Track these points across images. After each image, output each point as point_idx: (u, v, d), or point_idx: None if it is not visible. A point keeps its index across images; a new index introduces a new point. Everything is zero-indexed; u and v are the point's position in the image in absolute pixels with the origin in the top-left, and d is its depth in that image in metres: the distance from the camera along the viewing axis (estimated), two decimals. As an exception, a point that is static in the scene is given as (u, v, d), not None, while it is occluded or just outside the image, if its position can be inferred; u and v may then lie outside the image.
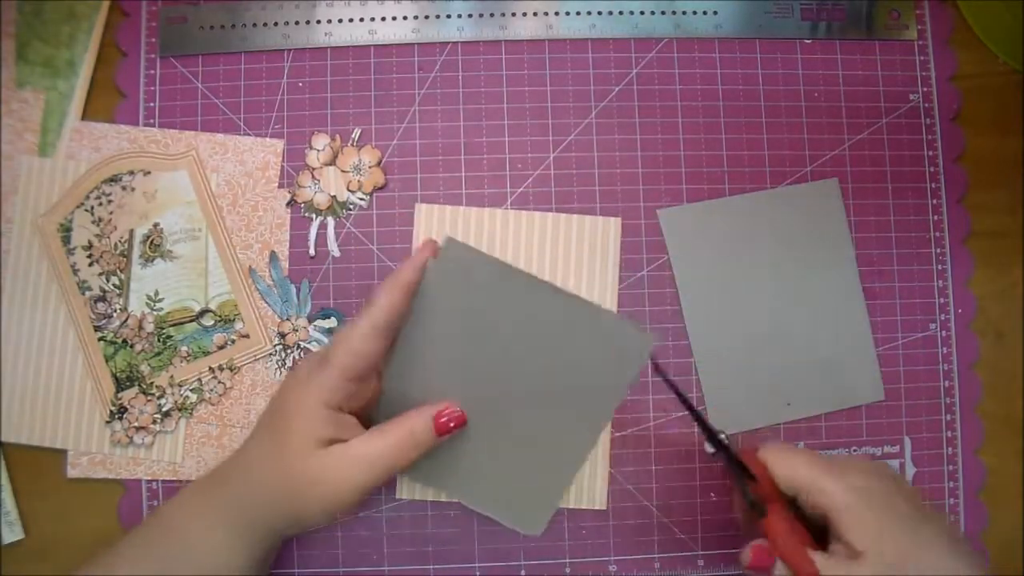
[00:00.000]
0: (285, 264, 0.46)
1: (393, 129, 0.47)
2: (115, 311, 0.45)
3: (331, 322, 0.45)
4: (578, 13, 0.47)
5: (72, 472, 0.44)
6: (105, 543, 0.39)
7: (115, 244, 0.45)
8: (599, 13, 0.48)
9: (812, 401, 0.46)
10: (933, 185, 0.48)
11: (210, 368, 0.45)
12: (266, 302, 0.45)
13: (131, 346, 0.44)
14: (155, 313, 0.45)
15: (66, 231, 0.45)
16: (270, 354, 0.45)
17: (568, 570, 0.45)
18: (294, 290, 0.45)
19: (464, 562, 0.45)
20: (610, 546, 0.45)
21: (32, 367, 0.44)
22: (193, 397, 0.44)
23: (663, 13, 0.48)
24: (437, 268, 0.38)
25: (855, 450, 0.46)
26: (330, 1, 0.47)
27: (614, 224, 0.46)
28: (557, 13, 0.47)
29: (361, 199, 0.46)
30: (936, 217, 0.48)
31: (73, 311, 0.44)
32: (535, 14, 0.47)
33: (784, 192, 0.47)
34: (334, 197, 0.46)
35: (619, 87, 0.47)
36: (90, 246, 0.45)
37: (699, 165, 0.47)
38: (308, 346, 0.45)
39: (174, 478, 0.44)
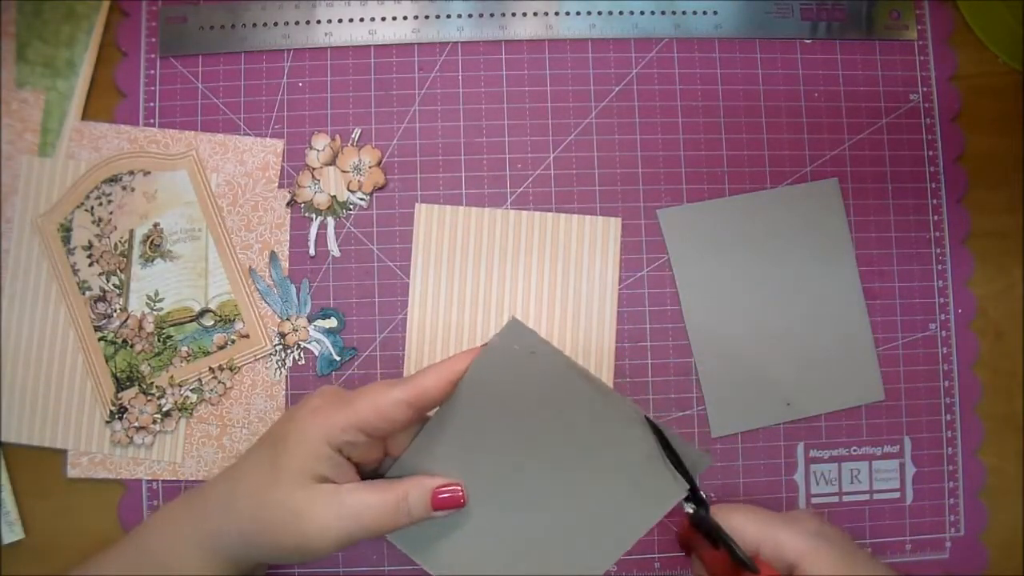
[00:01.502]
0: (285, 264, 0.46)
1: (393, 129, 0.47)
2: (115, 311, 0.45)
3: (331, 322, 0.45)
4: (578, 13, 0.47)
5: (72, 472, 0.44)
6: (101, 545, 0.40)
7: (115, 244, 0.45)
8: (599, 13, 0.48)
9: (812, 401, 0.46)
10: (933, 185, 0.48)
11: (210, 368, 0.45)
12: (266, 302, 0.45)
13: (131, 346, 0.44)
14: (155, 313, 0.45)
15: (66, 231, 0.45)
16: (270, 354, 0.45)
17: (568, 570, 0.45)
18: (294, 290, 0.45)
19: (464, 562, 0.45)
20: (610, 546, 0.45)
21: (32, 367, 0.44)
22: (193, 397, 0.44)
23: (663, 13, 0.48)
24: (493, 350, 0.36)
25: (855, 450, 0.46)
26: (330, 1, 0.47)
27: (614, 224, 0.46)
28: (557, 13, 0.47)
29: (361, 199, 0.46)
30: (936, 217, 0.48)
31: (73, 311, 0.44)
32: (535, 14, 0.47)
33: (784, 192, 0.47)
34: (334, 197, 0.46)
35: (619, 87, 0.47)
36: (90, 246, 0.45)
37: (699, 165, 0.47)
38: (308, 346, 0.45)
39: (174, 478, 0.44)
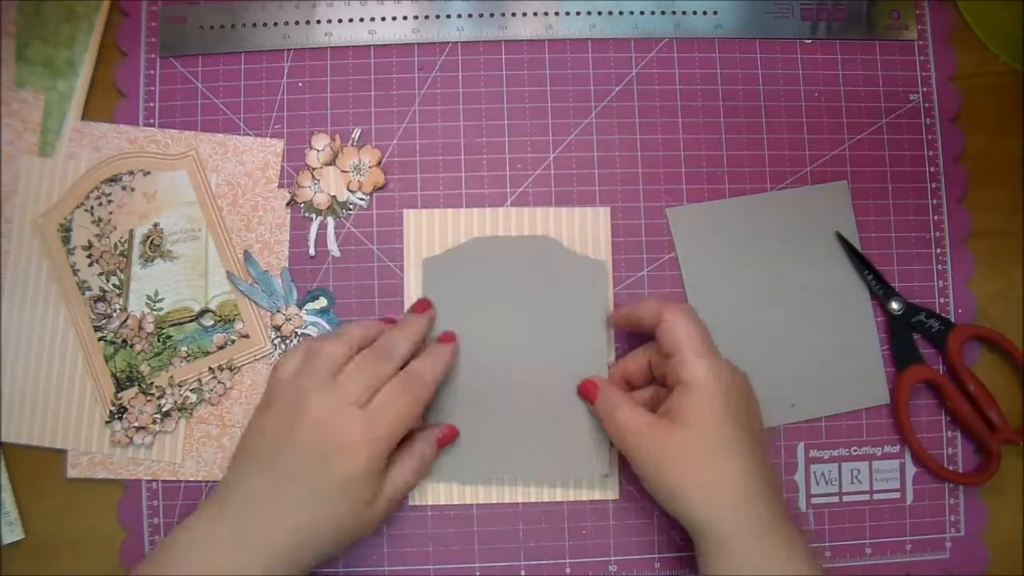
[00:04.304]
0: (272, 258, 0.45)
1: (393, 129, 0.47)
2: (115, 311, 0.44)
3: (321, 302, 0.45)
4: (578, 13, 0.47)
5: (72, 472, 0.44)
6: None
7: (115, 244, 0.45)
8: (599, 13, 0.48)
9: (816, 403, 0.46)
10: (933, 185, 0.48)
11: (210, 368, 0.44)
12: (253, 300, 0.45)
13: (131, 346, 0.44)
14: (155, 313, 0.44)
15: (66, 231, 0.45)
16: (269, 353, 0.45)
17: (568, 570, 0.45)
18: (277, 282, 0.45)
19: (464, 562, 0.45)
20: (610, 546, 0.45)
21: (32, 367, 0.44)
22: (193, 397, 0.44)
23: (663, 13, 0.48)
24: (430, 285, 0.45)
25: (855, 450, 0.46)
26: (330, 1, 0.47)
27: (603, 214, 0.46)
28: (557, 13, 0.47)
29: (361, 199, 0.46)
30: (936, 217, 0.48)
31: (73, 311, 0.44)
32: (535, 14, 0.47)
33: (792, 194, 0.47)
34: (334, 197, 0.46)
35: (619, 87, 0.47)
36: (90, 246, 0.45)
37: (699, 165, 0.47)
38: (305, 331, 0.45)
39: (174, 478, 0.44)
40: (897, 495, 0.46)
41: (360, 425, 0.37)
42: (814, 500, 0.46)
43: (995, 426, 0.45)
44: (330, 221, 0.46)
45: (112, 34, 0.47)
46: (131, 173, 0.45)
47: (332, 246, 0.46)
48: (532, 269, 0.45)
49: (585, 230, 0.46)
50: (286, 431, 0.38)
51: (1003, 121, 0.49)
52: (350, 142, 0.47)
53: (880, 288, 0.46)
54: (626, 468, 0.45)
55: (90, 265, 0.45)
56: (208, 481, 0.44)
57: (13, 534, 0.44)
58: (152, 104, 0.46)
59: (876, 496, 0.46)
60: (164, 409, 0.44)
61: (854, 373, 0.46)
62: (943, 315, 0.47)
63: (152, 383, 0.44)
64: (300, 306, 0.45)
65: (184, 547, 0.36)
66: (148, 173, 0.45)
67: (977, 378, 0.46)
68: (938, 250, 0.48)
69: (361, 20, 0.47)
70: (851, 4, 0.49)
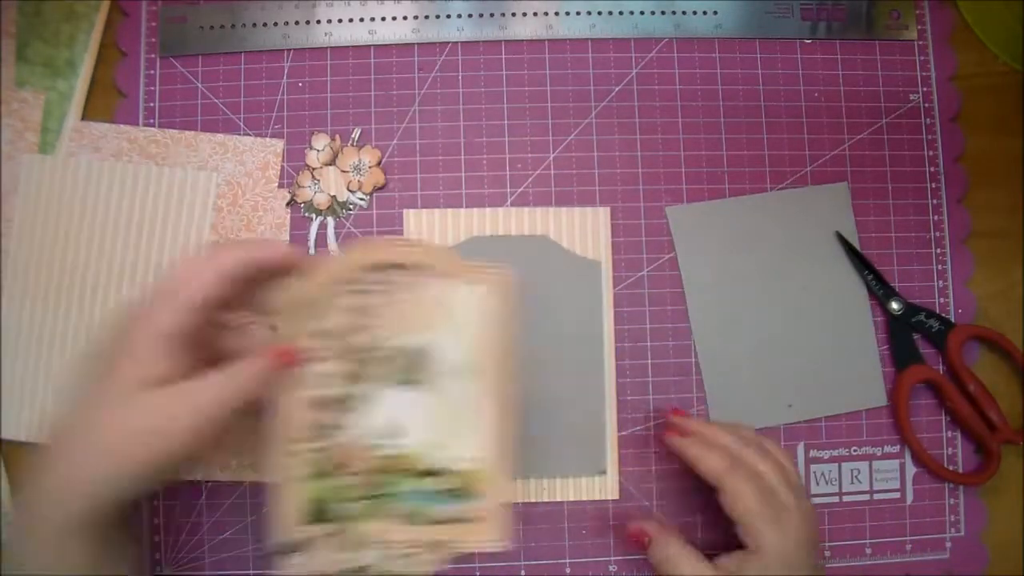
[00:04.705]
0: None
1: (393, 129, 0.47)
2: (338, 426, 0.35)
3: None
4: (578, 13, 0.47)
5: (72, 472, 0.44)
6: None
7: (372, 346, 0.35)
8: (599, 13, 0.48)
9: (814, 404, 0.46)
10: (933, 185, 0.48)
11: (426, 541, 0.34)
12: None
13: (346, 468, 0.34)
14: (387, 452, 0.35)
15: (315, 307, 0.34)
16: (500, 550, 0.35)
17: (568, 570, 0.45)
18: None
19: (464, 562, 0.45)
20: (610, 546, 0.45)
21: (31, 365, 0.44)
22: (399, 564, 0.34)
23: (663, 13, 0.48)
24: None
25: (855, 450, 0.46)
26: (330, 1, 0.47)
27: (603, 214, 0.46)
28: (557, 13, 0.47)
29: (361, 199, 0.46)
30: (936, 217, 0.48)
31: (283, 405, 0.34)
32: (535, 14, 0.47)
33: (792, 194, 0.47)
34: (334, 197, 0.46)
35: (619, 87, 0.47)
36: (338, 335, 0.35)
37: (699, 165, 0.47)
38: None
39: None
40: (897, 495, 0.46)
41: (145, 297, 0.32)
42: (814, 500, 0.46)
43: (995, 426, 0.45)
44: (330, 221, 0.46)
45: (112, 34, 0.47)
46: (422, 269, 0.35)
47: (332, 246, 0.46)
48: (530, 268, 0.45)
49: (585, 230, 0.46)
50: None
51: (1003, 121, 0.49)
52: (350, 142, 0.47)
53: (880, 288, 0.46)
54: (624, 468, 0.45)
55: (330, 359, 0.34)
56: (208, 481, 0.44)
57: (13, 534, 0.44)
58: (152, 104, 0.46)
59: (876, 496, 0.46)
60: (360, 564, 0.34)
61: (852, 374, 0.46)
62: (943, 315, 0.47)
63: (352, 529, 0.34)
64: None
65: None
66: (444, 278, 0.35)
67: (977, 378, 0.46)
68: (938, 250, 0.48)
69: (361, 20, 0.47)
70: (851, 4, 0.49)
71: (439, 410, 0.35)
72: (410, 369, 0.35)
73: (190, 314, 0.31)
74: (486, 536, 0.35)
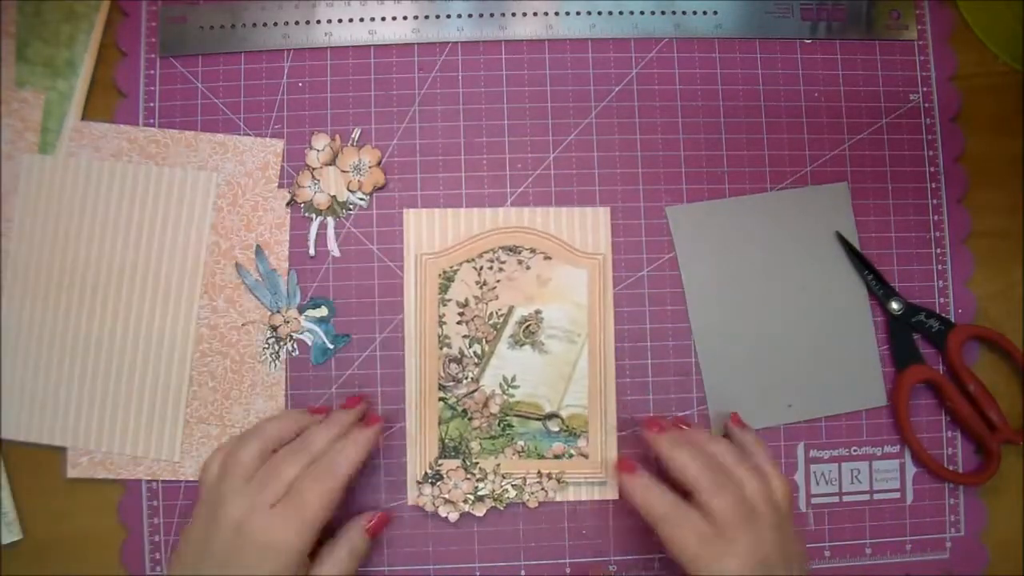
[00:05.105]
0: (272, 258, 0.46)
1: (393, 129, 0.47)
2: (467, 378, 0.44)
3: (322, 311, 0.45)
4: (578, 13, 0.47)
5: (72, 472, 0.44)
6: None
7: (491, 314, 0.44)
8: (599, 13, 0.48)
9: (813, 403, 0.46)
10: (933, 185, 0.48)
11: (539, 472, 0.44)
12: (255, 295, 0.45)
13: (470, 419, 0.44)
14: (505, 397, 0.44)
15: (447, 280, 0.45)
16: (602, 481, 0.44)
17: (568, 570, 0.45)
18: (282, 282, 0.45)
19: (464, 562, 0.45)
20: (610, 546, 0.45)
21: (31, 364, 0.44)
22: (512, 493, 0.44)
23: (663, 13, 0.48)
24: None
25: (855, 450, 0.46)
26: (330, 1, 0.47)
27: (603, 214, 0.46)
28: (557, 13, 0.47)
29: (361, 199, 0.46)
30: (936, 217, 0.48)
31: (423, 361, 0.44)
32: (535, 14, 0.47)
33: (792, 194, 0.47)
34: (334, 197, 0.46)
35: (619, 87, 0.47)
36: (465, 304, 0.44)
37: (699, 165, 0.47)
38: (300, 337, 0.45)
39: (174, 478, 0.44)
40: (897, 495, 0.46)
41: (277, 524, 0.36)
42: (814, 500, 0.46)
43: (995, 426, 0.45)
44: (330, 221, 0.46)
45: (112, 34, 0.47)
46: (532, 251, 0.45)
47: (332, 246, 0.46)
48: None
49: (585, 230, 0.46)
50: (206, 539, 0.37)
51: (1003, 121, 0.49)
52: (350, 142, 0.47)
53: (880, 288, 0.46)
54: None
55: (459, 323, 0.44)
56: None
57: (12, 534, 0.44)
58: (152, 104, 0.46)
59: (876, 496, 0.46)
60: (480, 493, 0.44)
61: (852, 374, 0.46)
62: (943, 315, 0.47)
63: (477, 463, 0.44)
64: (301, 311, 0.45)
65: None
66: (549, 258, 0.45)
67: (977, 378, 0.46)
68: (938, 250, 0.48)
69: (361, 20, 0.47)
70: (851, 4, 0.49)
71: (546, 367, 0.44)
72: (521, 334, 0.44)
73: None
74: (588, 470, 0.44)
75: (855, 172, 0.48)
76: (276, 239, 0.46)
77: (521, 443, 0.44)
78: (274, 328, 0.45)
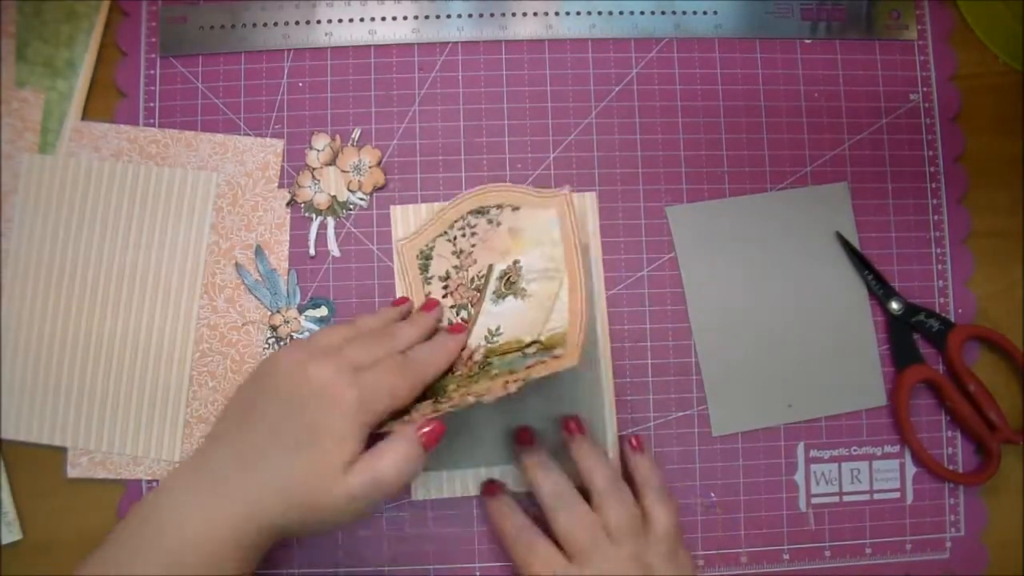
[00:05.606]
0: (272, 258, 0.45)
1: (393, 129, 0.47)
2: None
3: (322, 311, 0.45)
4: (578, 13, 0.47)
5: (72, 472, 0.44)
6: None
7: (472, 278, 0.44)
8: (599, 13, 0.48)
9: (814, 404, 0.46)
10: (933, 185, 0.48)
11: (505, 382, 0.39)
12: (255, 295, 0.45)
13: (452, 372, 0.42)
14: (487, 346, 0.43)
15: (425, 259, 0.45)
16: (572, 368, 0.40)
17: (568, 570, 0.45)
18: (282, 282, 0.45)
19: (464, 562, 0.45)
20: (610, 546, 0.45)
21: (31, 364, 0.44)
22: (471, 400, 0.39)
23: (663, 13, 0.48)
24: None
25: (855, 450, 0.46)
26: (330, 1, 0.47)
27: (590, 198, 0.46)
28: (557, 13, 0.47)
29: (361, 199, 0.46)
30: (936, 217, 0.48)
31: None
32: (535, 14, 0.47)
33: (792, 194, 0.47)
34: (334, 197, 0.46)
35: (619, 87, 0.47)
36: (447, 277, 0.44)
37: (699, 165, 0.47)
38: (301, 337, 0.45)
39: (174, 478, 0.44)
40: (897, 495, 0.46)
41: (348, 382, 0.36)
42: (814, 500, 0.46)
43: (995, 426, 0.45)
44: (330, 221, 0.46)
45: (112, 34, 0.47)
46: (499, 207, 0.44)
47: (332, 246, 0.46)
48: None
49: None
50: (272, 388, 0.37)
51: (1003, 121, 0.49)
52: (350, 142, 0.47)
53: (880, 288, 0.46)
54: (623, 468, 0.45)
55: (444, 296, 0.44)
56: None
57: (12, 534, 0.44)
58: (152, 104, 0.46)
59: (876, 496, 0.46)
60: (442, 410, 0.39)
61: (852, 374, 0.46)
62: (943, 315, 0.47)
63: (448, 395, 0.41)
64: (301, 311, 0.45)
65: (169, 517, 0.35)
66: (517, 209, 0.44)
67: (977, 378, 0.46)
68: (938, 250, 0.48)
69: (361, 20, 0.47)
70: (851, 4, 0.49)
71: (529, 309, 0.43)
72: (502, 287, 0.43)
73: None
74: (563, 364, 0.38)
75: (855, 172, 0.48)
76: (276, 239, 0.46)
77: (495, 371, 0.41)
78: (274, 328, 0.45)
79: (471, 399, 0.38)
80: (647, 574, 0.38)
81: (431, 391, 0.41)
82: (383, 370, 0.37)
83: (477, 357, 0.43)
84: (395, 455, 0.36)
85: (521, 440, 0.43)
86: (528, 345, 0.42)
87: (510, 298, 0.43)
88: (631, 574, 0.38)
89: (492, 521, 0.43)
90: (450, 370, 0.42)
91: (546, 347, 0.41)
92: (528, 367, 0.39)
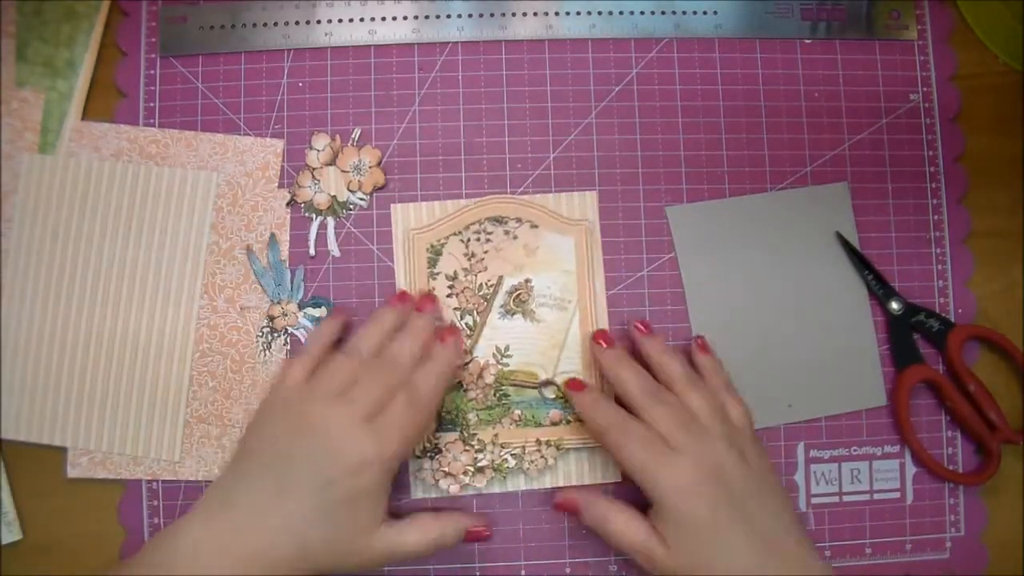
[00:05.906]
0: (262, 258, 0.45)
1: (393, 129, 0.47)
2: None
3: (321, 311, 0.45)
4: (578, 13, 0.47)
5: (72, 472, 0.44)
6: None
7: (480, 285, 0.44)
8: (599, 13, 0.48)
9: (813, 403, 0.46)
10: (933, 185, 0.48)
11: (538, 440, 0.43)
12: (260, 283, 0.45)
13: (465, 391, 0.44)
14: (500, 367, 0.44)
15: (435, 253, 0.45)
16: (596, 446, 0.44)
17: (568, 570, 0.45)
18: (288, 275, 0.45)
19: (464, 562, 0.45)
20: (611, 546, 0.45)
21: (31, 364, 0.44)
22: (512, 463, 0.43)
23: (663, 13, 0.48)
24: None
25: (855, 450, 0.46)
26: (330, 1, 0.47)
27: (590, 198, 0.46)
28: (557, 13, 0.47)
29: (361, 199, 0.46)
30: (936, 217, 0.48)
31: None
32: (535, 14, 0.47)
33: (792, 194, 0.47)
34: (334, 197, 0.46)
35: (619, 87, 0.47)
36: (455, 277, 0.45)
37: (699, 165, 0.47)
38: (295, 332, 0.45)
39: (174, 478, 0.44)
40: (897, 495, 0.46)
41: (370, 441, 0.37)
42: (814, 500, 0.46)
43: (995, 426, 0.45)
44: (330, 221, 0.46)
45: (112, 34, 0.47)
46: (519, 221, 0.45)
47: (332, 246, 0.46)
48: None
49: (572, 207, 0.46)
50: (296, 440, 0.38)
51: (1003, 121, 0.49)
52: (350, 142, 0.47)
53: (880, 288, 0.46)
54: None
55: (449, 296, 0.45)
56: (208, 481, 0.44)
57: (12, 534, 0.44)
58: (152, 104, 0.46)
59: (876, 496, 0.46)
60: (479, 464, 0.43)
61: (852, 374, 0.46)
62: (943, 315, 0.47)
63: (475, 435, 0.43)
64: (300, 307, 0.45)
65: (184, 548, 0.36)
66: (536, 227, 0.45)
67: (977, 378, 0.46)
68: (938, 250, 0.48)
69: (361, 20, 0.47)
70: (851, 4, 0.49)
71: (539, 335, 0.44)
72: (512, 304, 0.44)
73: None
74: (587, 434, 0.43)
75: (855, 172, 0.48)
76: (276, 239, 0.46)
77: (518, 412, 0.44)
78: (271, 318, 0.45)
79: (512, 462, 0.43)
80: (741, 458, 0.39)
81: (454, 422, 0.43)
82: (396, 414, 0.38)
83: (488, 379, 0.44)
84: (426, 536, 0.39)
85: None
86: (544, 384, 0.44)
87: (519, 317, 0.44)
88: (729, 457, 0.38)
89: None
90: (460, 385, 0.44)
91: (564, 396, 0.43)
92: (553, 422, 0.43)
